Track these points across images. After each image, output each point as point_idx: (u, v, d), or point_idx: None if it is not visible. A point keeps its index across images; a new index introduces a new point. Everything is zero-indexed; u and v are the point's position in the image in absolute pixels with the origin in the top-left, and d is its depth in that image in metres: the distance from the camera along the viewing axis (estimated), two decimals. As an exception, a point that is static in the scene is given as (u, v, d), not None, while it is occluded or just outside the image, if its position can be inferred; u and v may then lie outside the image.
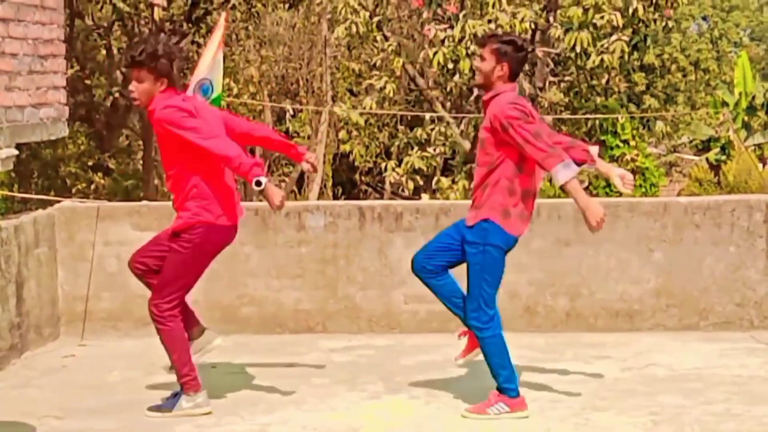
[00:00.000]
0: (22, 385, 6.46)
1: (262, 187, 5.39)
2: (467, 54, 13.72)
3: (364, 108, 15.20)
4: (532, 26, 14.30)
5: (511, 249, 5.57)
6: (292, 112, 21.60)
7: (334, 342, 7.36)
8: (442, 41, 13.89)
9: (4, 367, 6.79)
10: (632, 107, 16.39)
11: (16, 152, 6.74)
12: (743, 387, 6.15)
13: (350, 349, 7.21)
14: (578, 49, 13.76)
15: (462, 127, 15.74)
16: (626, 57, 14.51)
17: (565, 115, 14.90)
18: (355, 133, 17.89)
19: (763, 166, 20.88)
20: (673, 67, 28.75)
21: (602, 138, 15.38)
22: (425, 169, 15.35)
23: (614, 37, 13.83)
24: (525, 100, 5.62)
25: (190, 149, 5.50)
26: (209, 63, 8.78)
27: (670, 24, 15.19)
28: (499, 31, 13.62)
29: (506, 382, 5.59)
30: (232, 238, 5.79)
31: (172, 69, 5.59)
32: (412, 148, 15.57)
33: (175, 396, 5.77)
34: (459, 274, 5.69)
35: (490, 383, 6.15)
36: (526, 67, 15.09)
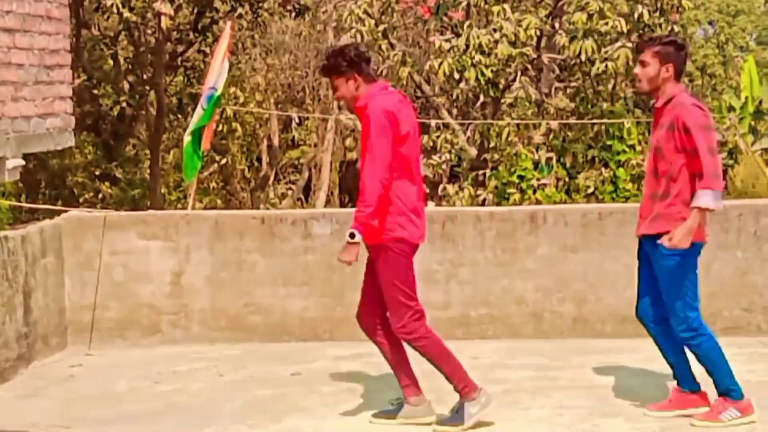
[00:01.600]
0: (29, 395, 6.47)
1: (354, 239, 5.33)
2: (473, 64, 13.71)
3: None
4: (537, 33, 14.29)
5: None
6: (298, 120, 21.61)
7: (342, 350, 7.36)
8: (448, 51, 13.89)
9: (11, 377, 6.80)
10: (638, 112, 16.34)
11: (23, 162, 6.76)
12: (751, 392, 6.11)
13: (357, 356, 7.20)
14: (583, 57, 13.75)
15: (468, 133, 15.72)
16: (632, 63, 14.47)
17: (572, 121, 14.88)
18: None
19: (771, 171, 20.80)
20: (680, 72, 28.71)
21: (608, 143, 15.33)
22: (431, 176, 15.33)
23: (618, 44, 13.80)
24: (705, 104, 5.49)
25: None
26: (217, 71, 8.81)
27: (676, 29, 15.15)
28: (504, 40, 13.64)
29: (731, 385, 5.52)
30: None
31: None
32: (419, 156, 15.53)
33: (460, 407, 5.53)
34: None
35: (497, 390, 6.15)
36: (532, 73, 15.10)
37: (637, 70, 5.47)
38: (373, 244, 5.47)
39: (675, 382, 5.73)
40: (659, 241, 5.34)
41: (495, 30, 13.73)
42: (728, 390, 5.51)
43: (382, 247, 5.46)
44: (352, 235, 5.33)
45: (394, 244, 5.45)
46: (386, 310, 5.54)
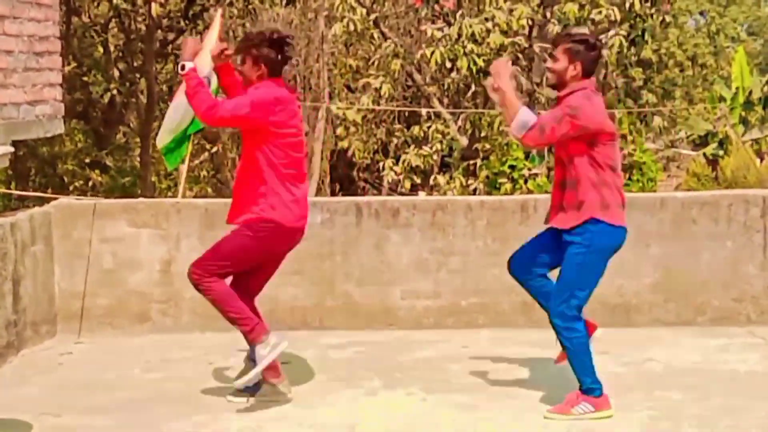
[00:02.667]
0: (18, 383, 6.45)
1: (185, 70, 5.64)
2: (464, 53, 13.70)
3: (361, 105, 15.19)
4: (529, 22, 14.28)
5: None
6: (289, 109, 21.53)
7: (332, 338, 7.36)
8: (440, 40, 13.88)
9: (0, 365, 6.78)
10: (630, 102, 16.38)
11: (12, 149, 6.74)
12: (741, 382, 6.15)
13: (347, 345, 7.20)
14: (576, 45, 13.76)
15: (459, 123, 15.73)
16: (623, 52, 14.50)
17: (563, 111, 14.90)
18: (352, 129, 17.87)
19: (761, 161, 20.86)
20: (671, 62, 28.72)
21: (600, 133, 15.36)
22: (422, 166, 15.34)
23: (611, 33, 13.82)
24: (599, 97, 5.56)
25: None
26: (208, 62, 8.74)
27: (668, 19, 15.17)
28: (496, 29, 13.62)
29: (593, 384, 5.52)
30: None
31: None
32: (410, 146, 15.56)
33: (251, 360, 5.70)
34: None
35: (486, 379, 6.16)
36: (524, 62, 15.10)
37: (548, 63, 5.57)
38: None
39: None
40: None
41: (487, 19, 13.73)
42: (589, 389, 5.52)
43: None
44: (183, 68, 5.68)
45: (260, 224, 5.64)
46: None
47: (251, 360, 5.78)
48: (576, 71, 5.46)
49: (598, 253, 5.48)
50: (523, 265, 5.80)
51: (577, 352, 5.52)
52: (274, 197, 5.60)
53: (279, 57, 5.63)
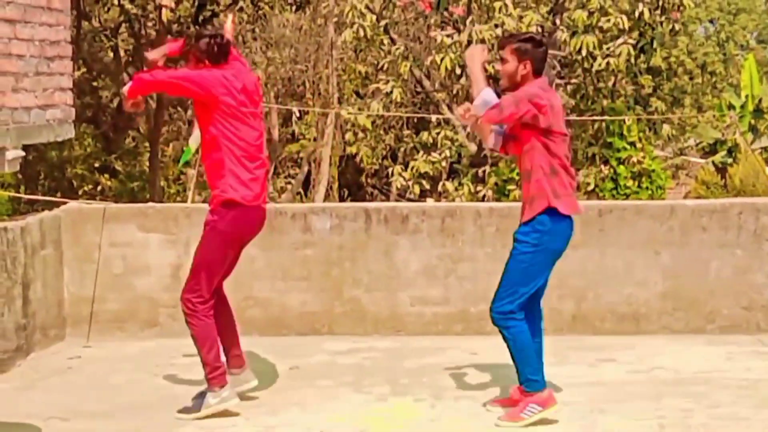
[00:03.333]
0: (27, 387, 6.46)
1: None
2: (474, 59, 13.70)
3: (371, 111, 15.20)
4: (539, 29, 14.28)
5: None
6: (298, 114, 21.59)
7: (340, 344, 7.36)
8: (449, 46, 13.89)
9: (9, 369, 6.79)
10: (639, 110, 16.35)
11: (23, 153, 6.75)
12: (750, 390, 6.13)
13: (355, 351, 7.20)
14: (584, 52, 13.75)
15: (468, 130, 15.71)
16: (633, 60, 14.49)
17: (572, 118, 14.88)
18: (361, 135, 17.89)
19: (770, 170, 20.79)
20: (680, 69, 28.69)
21: (609, 140, 15.35)
22: (431, 172, 15.34)
23: (620, 41, 13.81)
24: (549, 92, 5.62)
25: None
26: None
27: (677, 27, 15.16)
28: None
29: (531, 375, 5.56)
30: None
31: None
32: (418, 152, 15.57)
33: (201, 395, 5.75)
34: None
35: (494, 386, 6.15)
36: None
37: (499, 66, 5.62)
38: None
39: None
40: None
41: (497, 25, 13.72)
42: (528, 380, 5.54)
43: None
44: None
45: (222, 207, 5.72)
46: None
47: (199, 395, 5.83)
48: (526, 70, 5.53)
49: (546, 253, 5.54)
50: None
51: (519, 345, 5.54)
52: (231, 177, 5.61)
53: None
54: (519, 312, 5.53)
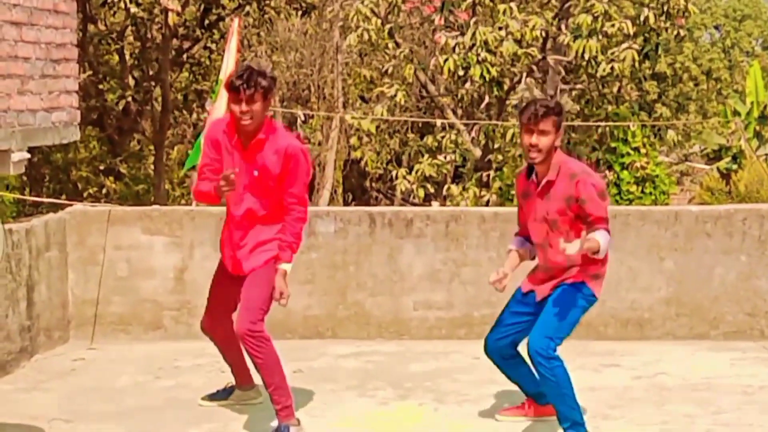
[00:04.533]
0: (31, 388, 6.47)
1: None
2: (478, 61, 13.71)
3: (375, 115, 15.21)
4: (543, 33, 14.29)
5: None
6: (303, 118, 21.62)
7: (344, 348, 7.36)
8: (453, 48, 13.90)
9: (13, 370, 6.80)
10: (644, 115, 16.34)
11: (28, 156, 6.76)
12: (754, 396, 6.13)
13: (359, 355, 7.20)
14: (587, 56, 13.75)
15: (473, 134, 15.73)
16: (637, 65, 14.49)
17: (577, 123, 14.88)
18: (366, 139, 17.91)
19: (775, 176, 20.76)
20: (685, 76, 28.71)
21: (613, 145, 15.35)
22: (436, 176, 15.34)
23: (624, 46, 13.81)
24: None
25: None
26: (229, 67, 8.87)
27: (682, 33, 15.16)
28: (510, 38, 13.62)
29: (582, 418, 5.32)
30: None
31: None
32: (423, 156, 15.57)
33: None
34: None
35: (497, 390, 6.15)
36: (538, 74, 15.10)
37: (534, 139, 5.16)
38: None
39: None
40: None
41: (501, 28, 13.73)
42: (575, 424, 5.23)
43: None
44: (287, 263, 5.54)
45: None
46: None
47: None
48: (558, 143, 5.25)
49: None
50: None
51: (561, 384, 5.23)
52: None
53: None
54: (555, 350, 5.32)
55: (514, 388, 6.26)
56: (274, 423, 5.47)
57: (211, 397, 6.04)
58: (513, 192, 14.50)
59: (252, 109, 5.28)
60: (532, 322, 5.34)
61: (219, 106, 8.97)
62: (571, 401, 5.24)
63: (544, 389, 5.33)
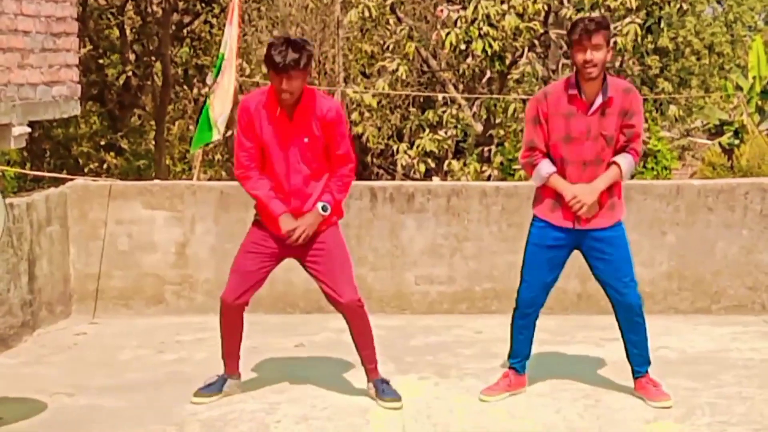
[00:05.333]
0: (33, 362, 6.48)
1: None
2: (480, 35, 13.66)
3: (376, 89, 15.17)
4: (545, 7, 14.23)
5: None
6: (304, 93, 21.55)
7: (345, 322, 7.35)
8: (455, 22, 13.85)
9: (15, 344, 6.81)
10: (646, 90, 16.32)
11: (29, 130, 6.76)
12: (755, 370, 6.13)
13: (361, 329, 7.19)
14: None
15: (474, 109, 15.70)
16: (640, 40, 14.44)
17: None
18: (367, 114, 17.87)
19: (777, 151, 20.70)
20: (687, 50, 28.59)
21: (615, 120, 15.32)
22: (437, 151, 15.32)
23: (627, 20, 13.76)
24: None
25: None
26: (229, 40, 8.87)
27: (685, 7, 15.10)
28: (512, 11, 13.57)
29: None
30: None
31: None
32: (424, 131, 15.53)
33: (383, 383, 5.63)
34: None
35: (498, 364, 6.16)
36: (540, 49, 15.05)
37: (588, 55, 5.22)
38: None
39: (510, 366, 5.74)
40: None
41: (503, 2, 13.67)
42: (648, 361, 5.61)
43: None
44: (325, 209, 5.42)
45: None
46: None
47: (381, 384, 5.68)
48: (610, 55, 5.36)
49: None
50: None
51: (646, 328, 5.59)
52: None
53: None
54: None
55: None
56: (371, 383, 5.65)
57: (205, 392, 5.71)
58: (514, 167, 14.52)
59: (293, 86, 5.21)
60: (566, 258, 5.54)
61: (225, 82, 8.95)
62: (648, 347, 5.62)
63: (635, 337, 5.58)
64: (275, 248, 5.54)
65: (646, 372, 5.60)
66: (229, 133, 18.77)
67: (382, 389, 5.60)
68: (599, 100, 5.30)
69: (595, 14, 13.66)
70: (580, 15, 13.71)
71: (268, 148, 5.38)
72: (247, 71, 20.22)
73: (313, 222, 5.40)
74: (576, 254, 7.48)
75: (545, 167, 5.39)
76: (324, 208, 5.40)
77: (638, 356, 5.61)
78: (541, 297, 5.61)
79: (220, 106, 8.90)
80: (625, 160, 5.34)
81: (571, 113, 5.33)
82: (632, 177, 15.03)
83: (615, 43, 13.77)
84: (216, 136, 9.08)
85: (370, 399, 5.64)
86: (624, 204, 5.54)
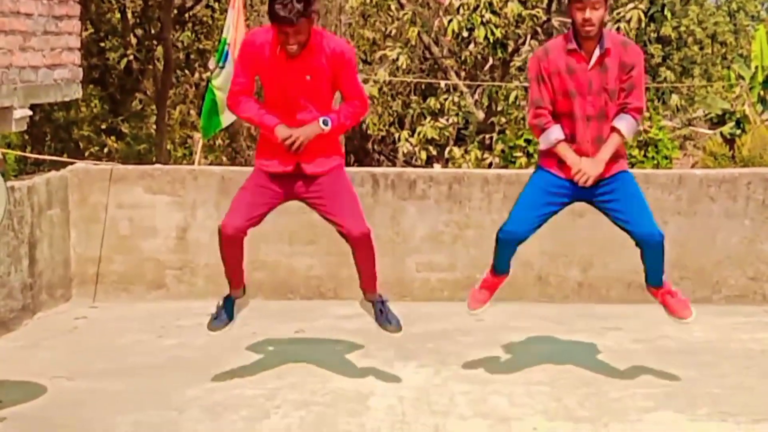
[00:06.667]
0: (33, 346, 6.48)
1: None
2: (482, 22, 13.63)
3: (378, 78, 15.14)
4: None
5: None
6: (305, 79, 21.52)
7: (346, 308, 7.35)
8: (457, 9, 13.82)
9: (16, 328, 6.81)
10: (648, 79, 16.28)
11: (30, 113, 6.74)
12: (756, 360, 6.13)
13: (361, 315, 7.14)
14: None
15: (476, 96, 15.67)
16: (643, 28, 14.41)
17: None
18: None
19: (779, 141, 20.66)
20: (690, 39, 28.52)
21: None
22: (438, 138, 15.30)
23: (630, 6, 13.73)
24: None
25: None
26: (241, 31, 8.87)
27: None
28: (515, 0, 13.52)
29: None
30: None
31: None
32: (425, 118, 15.51)
33: (380, 303, 5.75)
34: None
35: (499, 352, 6.17)
36: (542, 36, 15.01)
37: (587, 14, 5.24)
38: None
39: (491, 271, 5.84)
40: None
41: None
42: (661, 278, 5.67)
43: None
44: (326, 122, 5.30)
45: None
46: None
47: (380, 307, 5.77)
48: (607, 15, 5.43)
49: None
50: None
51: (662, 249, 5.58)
52: None
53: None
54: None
55: (517, 350, 6.30)
56: (370, 302, 5.82)
57: (218, 324, 5.70)
58: (516, 154, 14.51)
59: (300, 37, 5.12)
60: (563, 207, 5.56)
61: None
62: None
63: (656, 265, 5.63)
64: (280, 189, 5.44)
65: (662, 283, 5.67)
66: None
67: (384, 314, 5.68)
68: (597, 53, 5.34)
69: None
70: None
71: (270, 86, 5.31)
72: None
73: (310, 132, 5.26)
74: (576, 242, 7.50)
75: (554, 133, 5.41)
76: (325, 122, 5.28)
77: (654, 275, 5.67)
78: (525, 235, 5.65)
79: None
80: (624, 122, 5.37)
81: (572, 69, 5.37)
82: (632, 166, 15.00)
83: (618, 30, 13.74)
84: (227, 121, 9.08)
85: (369, 384, 5.63)
86: (626, 157, 5.58)
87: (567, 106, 5.39)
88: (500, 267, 5.79)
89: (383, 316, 5.68)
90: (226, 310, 5.71)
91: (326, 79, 5.29)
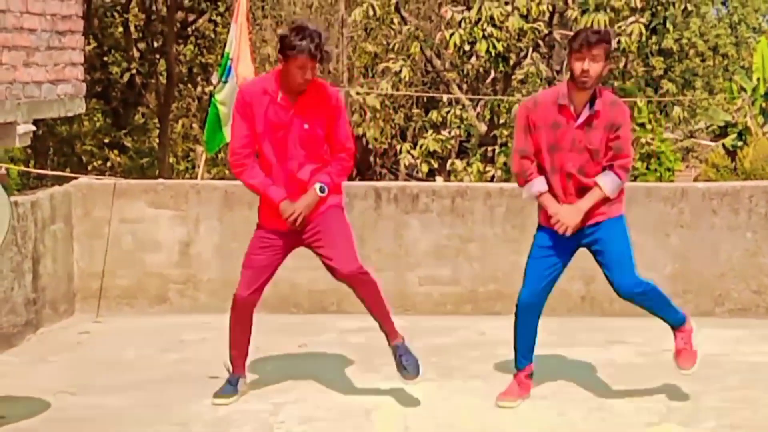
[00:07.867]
0: (37, 361, 6.48)
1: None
2: (484, 36, 13.66)
3: (381, 90, 15.17)
4: (550, 8, 14.22)
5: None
6: (307, 92, 21.55)
7: (349, 323, 7.35)
8: (459, 23, 13.85)
9: (19, 343, 6.81)
10: (650, 91, 16.31)
11: (34, 128, 6.76)
12: (759, 374, 6.12)
13: (364, 330, 7.18)
14: (595, 30, 13.73)
15: (478, 109, 15.69)
16: (644, 41, 14.43)
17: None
18: (369, 115, 17.87)
19: (781, 153, 20.69)
20: (692, 51, 28.59)
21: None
22: (440, 151, 15.32)
23: (632, 19, 13.75)
24: None
25: None
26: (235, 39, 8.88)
27: (690, 8, 15.10)
28: (516, 13, 13.55)
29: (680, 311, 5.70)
30: None
31: None
32: (428, 131, 15.52)
33: (402, 352, 5.61)
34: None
35: (503, 366, 6.15)
36: (544, 49, 15.04)
37: (585, 65, 5.19)
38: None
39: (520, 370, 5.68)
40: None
41: (507, 3, 13.68)
42: (683, 319, 5.66)
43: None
44: (322, 189, 5.40)
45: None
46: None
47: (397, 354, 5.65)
48: (606, 70, 5.33)
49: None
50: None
51: (658, 297, 5.59)
52: None
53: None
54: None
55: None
56: (391, 348, 5.65)
57: (224, 393, 5.68)
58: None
59: (314, 74, 5.23)
60: (567, 263, 5.53)
61: (239, 80, 8.92)
62: (673, 306, 5.64)
63: (657, 310, 5.63)
64: (282, 241, 5.54)
65: (681, 326, 5.67)
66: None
67: (403, 361, 5.58)
68: (586, 113, 5.29)
69: (600, 14, 13.68)
70: (585, 16, 13.72)
71: (265, 134, 5.35)
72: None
73: (310, 203, 5.39)
74: (579, 256, 7.47)
75: (537, 185, 5.39)
76: (321, 189, 5.39)
77: (667, 317, 5.68)
78: (541, 300, 5.58)
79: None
80: (607, 179, 5.31)
81: (559, 124, 5.32)
82: (635, 179, 15.03)
83: (618, 42, 13.76)
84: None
85: (373, 399, 5.63)
86: (623, 203, 5.51)
87: (549, 159, 5.35)
88: (521, 357, 5.67)
89: (403, 367, 5.58)
90: (232, 384, 5.73)
91: (322, 128, 5.37)
